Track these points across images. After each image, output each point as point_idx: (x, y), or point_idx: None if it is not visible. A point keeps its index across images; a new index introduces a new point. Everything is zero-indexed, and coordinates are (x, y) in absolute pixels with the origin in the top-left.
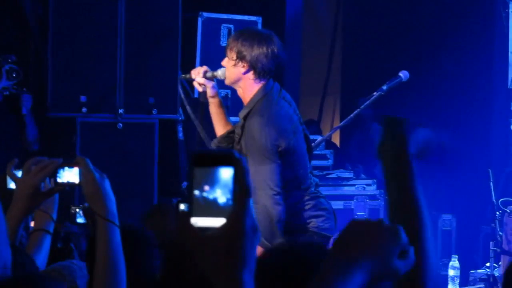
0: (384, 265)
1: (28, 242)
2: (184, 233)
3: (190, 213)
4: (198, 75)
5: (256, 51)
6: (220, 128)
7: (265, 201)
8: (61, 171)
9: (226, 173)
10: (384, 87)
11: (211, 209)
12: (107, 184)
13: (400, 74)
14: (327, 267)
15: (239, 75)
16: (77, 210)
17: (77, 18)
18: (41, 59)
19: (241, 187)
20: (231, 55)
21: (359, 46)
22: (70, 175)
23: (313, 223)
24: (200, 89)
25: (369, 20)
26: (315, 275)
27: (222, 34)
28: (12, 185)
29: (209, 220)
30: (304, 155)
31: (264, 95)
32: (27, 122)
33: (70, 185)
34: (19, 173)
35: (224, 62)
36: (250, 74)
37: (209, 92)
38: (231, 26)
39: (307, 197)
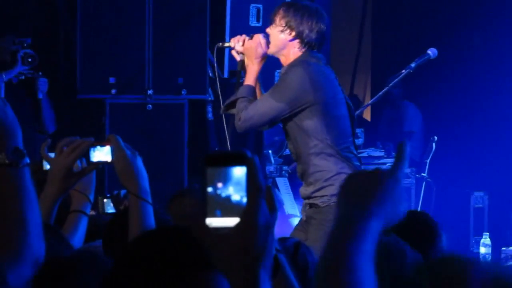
0: (393, 210)
1: (65, 223)
2: (199, 233)
3: (205, 213)
4: (237, 43)
5: (305, 23)
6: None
7: (240, 112)
8: (92, 150)
9: (238, 171)
10: (413, 65)
11: (225, 207)
12: (139, 161)
13: (429, 51)
14: (341, 220)
15: (285, 42)
16: (105, 200)
17: None
18: (71, 42)
19: (254, 185)
20: (280, 22)
21: (389, 23)
22: (102, 154)
23: None
24: (238, 58)
25: None
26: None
27: (251, 14)
28: (48, 166)
29: (224, 220)
30: (344, 120)
31: (307, 56)
32: (43, 106)
33: (102, 163)
34: (53, 155)
35: (269, 29)
36: (296, 43)
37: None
38: (260, 5)
39: (345, 165)
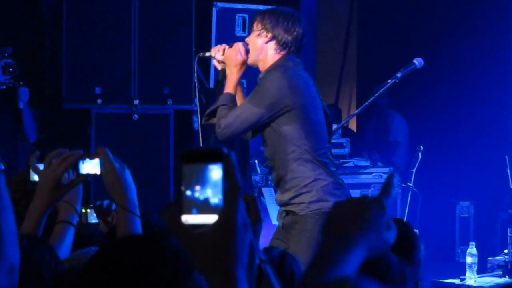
0: (377, 238)
1: (52, 234)
2: (175, 230)
3: (181, 210)
4: (218, 52)
5: (281, 24)
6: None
7: (220, 119)
8: (82, 162)
9: (216, 173)
10: (399, 75)
11: (203, 207)
12: (127, 174)
13: (415, 61)
14: (324, 250)
15: (262, 45)
16: (88, 210)
17: (91, 9)
18: (57, 51)
19: (231, 183)
20: (256, 27)
21: (375, 32)
22: (91, 166)
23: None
24: (219, 67)
25: (384, 7)
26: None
27: (236, 23)
28: (35, 177)
29: (201, 217)
30: (321, 126)
31: (285, 61)
32: (24, 115)
33: (91, 176)
34: (41, 166)
35: (248, 37)
36: (272, 44)
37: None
38: (246, 15)
39: (322, 171)
